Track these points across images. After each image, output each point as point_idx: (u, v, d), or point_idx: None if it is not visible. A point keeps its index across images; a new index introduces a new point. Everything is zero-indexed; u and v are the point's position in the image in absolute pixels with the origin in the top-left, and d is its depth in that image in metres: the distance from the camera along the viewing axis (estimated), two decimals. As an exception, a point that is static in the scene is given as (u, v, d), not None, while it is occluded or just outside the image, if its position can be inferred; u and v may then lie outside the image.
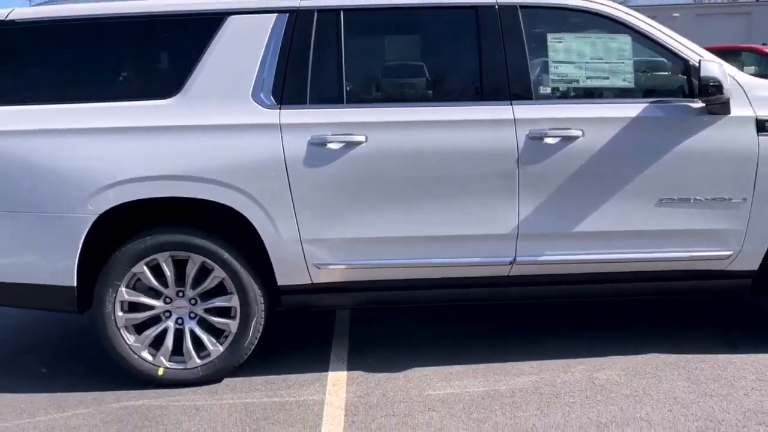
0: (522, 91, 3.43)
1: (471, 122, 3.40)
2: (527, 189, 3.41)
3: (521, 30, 3.47)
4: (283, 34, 3.43)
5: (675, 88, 3.57)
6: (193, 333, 3.50)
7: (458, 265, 3.50)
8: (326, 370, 3.65)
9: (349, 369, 3.65)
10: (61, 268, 3.37)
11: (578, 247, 3.50)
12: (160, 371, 3.49)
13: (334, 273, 3.50)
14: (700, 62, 3.31)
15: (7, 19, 3.44)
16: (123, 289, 3.43)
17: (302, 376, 3.59)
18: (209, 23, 3.44)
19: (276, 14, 3.45)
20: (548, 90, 3.55)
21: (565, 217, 3.46)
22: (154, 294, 3.49)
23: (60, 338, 4.34)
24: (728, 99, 3.35)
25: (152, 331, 3.50)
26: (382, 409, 3.21)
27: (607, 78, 3.55)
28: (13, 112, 3.37)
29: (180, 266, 3.46)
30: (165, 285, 3.46)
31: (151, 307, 3.49)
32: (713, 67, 3.29)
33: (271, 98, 3.39)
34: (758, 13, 40.29)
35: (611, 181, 3.43)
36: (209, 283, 3.47)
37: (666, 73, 3.66)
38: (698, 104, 3.41)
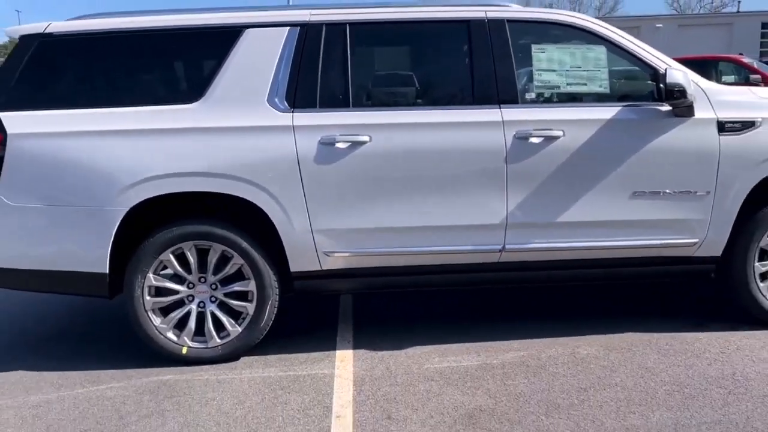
0: (509, 96, 3.82)
1: (464, 124, 3.79)
2: (514, 183, 3.80)
3: (508, 41, 3.87)
4: (295, 45, 3.81)
5: (645, 93, 3.95)
6: (213, 315, 3.86)
7: (453, 252, 3.88)
8: (334, 348, 4.02)
9: (354, 348, 4.02)
10: (95, 257, 3.72)
11: (560, 236, 3.90)
12: (184, 350, 3.85)
13: (340, 260, 3.86)
14: (666, 70, 3.73)
15: (46, 32, 3.80)
16: (151, 275, 3.78)
17: (312, 354, 3.96)
18: (229, 35, 3.82)
19: (289, 27, 3.84)
20: (533, 95, 3.95)
21: (549, 208, 3.85)
22: (179, 280, 3.85)
23: (86, 324, 4.68)
24: (692, 103, 3.77)
25: (177, 314, 3.85)
26: (386, 380, 3.58)
27: (585, 84, 3.95)
28: (52, 116, 3.72)
29: (202, 254, 3.82)
30: (189, 271, 3.82)
31: (176, 292, 3.85)
32: (678, 74, 3.71)
33: (285, 102, 3.77)
34: (739, 24, 41.13)
35: (589, 176, 3.83)
36: (229, 270, 3.83)
37: (638, 79, 4.04)
38: (666, 107, 3.83)
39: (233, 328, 3.87)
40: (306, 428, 3.11)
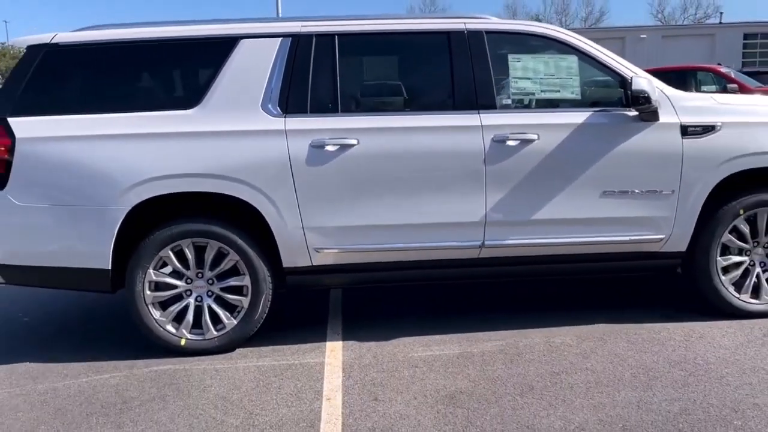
0: (487, 102, 4.10)
1: (445, 128, 4.06)
2: (493, 183, 4.07)
3: (486, 51, 4.14)
4: (287, 54, 4.07)
5: (615, 99, 4.23)
6: (210, 309, 4.09)
7: (436, 248, 4.13)
8: (324, 340, 4.26)
9: (343, 339, 4.26)
10: (99, 254, 3.94)
11: (536, 233, 4.16)
12: (183, 342, 4.07)
13: (330, 256, 4.10)
14: (632, 78, 4.02)
15: (52, 42, 4.04)
16: (151, 270, 4.01)
17: (303, 345, 4.19)
18: (225, 46, 4.07)
19: (281, 38, 4.10)
20: (509, 101, 4.22)
21: (525, 207, 4.11)
22: (177, 275, 4.08)
23: (89, 319, 4.89)
24: (656, 108, 4.06)
25: (175, 308, 4.08)
26: (373, 367, 3.83)
27: (558, 91, 4.23)
28: (58, 121, 3.95)
29: (200, 251, 4.05)
30: (187, 267, 4.06)
31: (175, 287, 4.08)
32: (643, 82, 4.00)
33: (278, 108, 4.02)
34: (721, 34, 41.89)
35: (562, 177, 4.10)
36: (225, 266, 4.07)
37: (607, 87, 4.32)
38: (633, 113, 4.11)
39: (229, 321, 4.10)
40: (299, 409, 3.34)
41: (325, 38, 4.11)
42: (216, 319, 4.10)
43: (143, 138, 3.94)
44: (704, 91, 13.24)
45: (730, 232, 4.27)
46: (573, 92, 4.24)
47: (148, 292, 4.03)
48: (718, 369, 3.61)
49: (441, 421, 3.17)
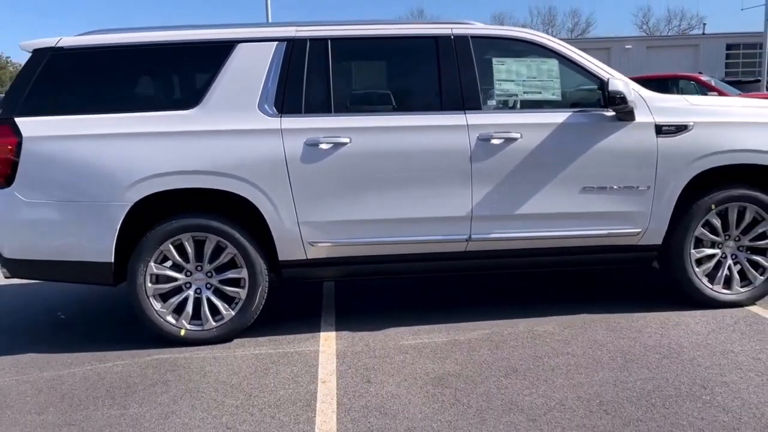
0: (473, 103, 4.32)
1: (433, 127, 4.27)
2: (478, 180, 4.28)
3: (472, 55, 4.37)
4: (282, 57, 4.28)
5: (593, 101, 4.46)
6: (209, 300, 4.28)
7: (424, 242, 4.34)
8: (318, 331, 4.45)
9: (336, 330, 4.46)
10: (102, 248, 4.11)
11: (520, 227, 4.37)
12: (182, 332, 4.25)
13: (324, 249, 4.30)
14: (608, 79, 4.25)
15: (57, 46, 4.23)
16: (152, 264, 4.19)
17: (299, 335, 4.38)
18: (223, 49, 4.27)
19: (277, 42, 4.31)
20: (494, 102, 4.45)
21: (509, 202, 4.33)
22: (177, 268, 4.26)
23: (91, 313, 5.06)
24: (632, 109, 4.29)
25: (176, 299, 4.26)
26: (365, 354, 4.02)
27: (540, 92, 4.46)
28: (63, 121, 4.13)
29: (199, 245, 4.24)
30: (186, 260, 4.24)
31: (175, 279, 4.25)
32: (619, 83, 4.23)
33: (274, 108, 4.22)
34: (705, 45, 42.57)
35: (544, 173, 4.32)
36: (223, 259, 4.25)
37: (586, 88, 4.56)
38: (610, 113, 4.34)
39: (227, 312, 4.28)
40: (295, 391, 3.53)
41: (319, 42, 4.32)
42: (215, 311, 4.28)
43: (145, 137, 4.12)
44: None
45: (703, 226, 4.50)
46: (554, 93, 4.47)
47: (149, 285, 4.20)
48: (691, 352, 3.83)
49: (430, 399, 3.37)
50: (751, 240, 4.57)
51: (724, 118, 4.45)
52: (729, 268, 4.58)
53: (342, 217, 4.24)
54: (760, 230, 4.54)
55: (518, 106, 4.50)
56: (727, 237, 4.57)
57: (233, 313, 4.29)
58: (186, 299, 4.27)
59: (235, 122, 4.17)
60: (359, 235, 4.28)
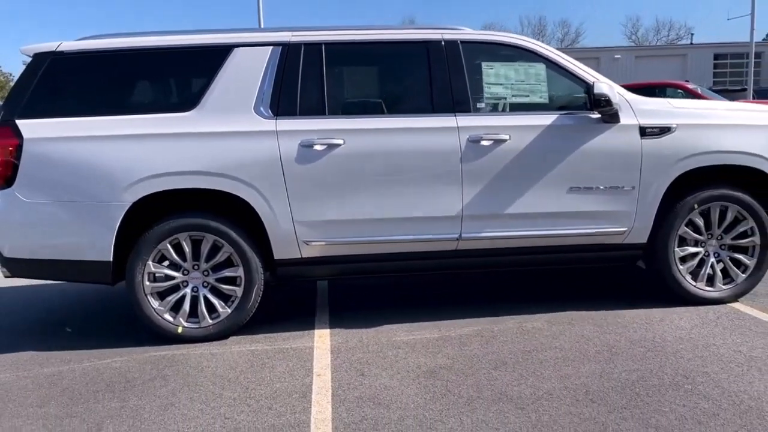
0: (463, 106, 4.44)
1: (425, 129, 4.39)
2: (469, 180, 4.40)
3: (461, 59, 4.50)
4: (278, 61, 4.40)
5: (580, 103, 4.59)
6: (206, 298, 4.37)
7: (416, 240, 4.45)
8: (312, 328, 4.55)
9: (331, 327, 4.56)
10: (101, 247, 4.20)
11: (510, 226, 4.49)
12: (180, 329, 4.34)
13: (318, 248, 4.40)
14: (593, 83, 4.39)
15: (57, 50, 4.33)
16: (150, 262, 4.28)
17: (294, 333, 4.48)
18: (220, 53, 4.39)
19: (272, 46, 4.43)
20: (483, 104, 4.58)
21: (498, 202, 4.45)
22: (175, 267, 4.35)
23: (89, 312, 5.13)
24: (617, 111, 4.44)
25: (173, 297, 4.34)
26: (359, 349, 4.12)
27: (528, 95, 4.60)
28: (63, 123, 4.23)
29: (196, 244, 4.33)
30: (184, 259, 4.33)
31: (172, 278, 4.35)
32: (604, 86, 4.38)
33: (269, 111, 4.33)
34: (692, 55, 43.04)
35: (532, 174, 4.45)
36: (219, 258, 4.35)
37: (572, 91, 4.69)
38: (596, 115, 4.49)
39: (223, 310, 4.37)
40: (291, 384, 3.63)
41: (313, 47, 4.44)
42: (211, 308, 4.37)
43: (144, 138, 4.22)
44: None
45: (686, 225, 4.64)
46: (541, 96, 4.60)
47: (147, 283, 4.30)
48: (674, 345, 3.96)
49: (422, 390, 3.47)
50: (733, 239, 4.71)
51: (705, 120, 4.60)
52: (712, 266, 4.71)
53: (336, 217, 4.34)
54: (741, 229, 4.68)
55: (507, 108, 4.63)
56: (709, 236, 4.71)
57: (229, 310, 4.38)
58: (183, 297, 4.36)
59: (231, 124, 4.28)
60: (353, 234, 4.39)
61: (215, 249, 4.35)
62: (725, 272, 4.74)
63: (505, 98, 4.61)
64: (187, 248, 4.32)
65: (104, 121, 4.26)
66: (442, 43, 4.53)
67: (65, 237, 4.25)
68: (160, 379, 3.77)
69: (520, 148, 4.43)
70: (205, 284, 4.39)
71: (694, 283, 4.69)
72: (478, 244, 4.52)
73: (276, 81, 4.37)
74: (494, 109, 4.64)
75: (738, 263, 4.73)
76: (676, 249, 4.65)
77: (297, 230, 4.33)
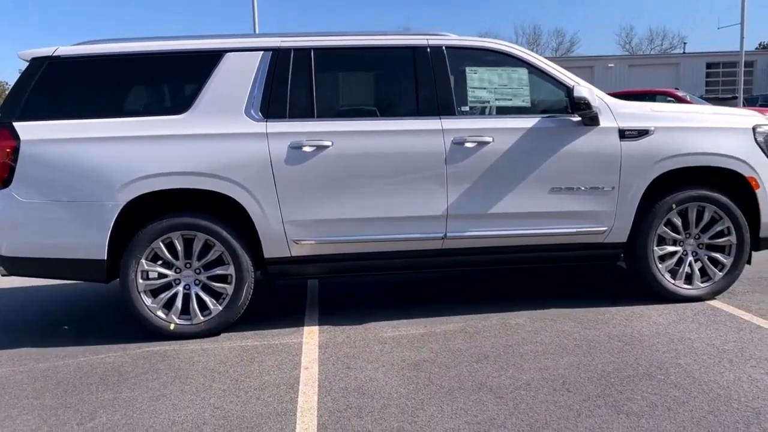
0: (447, 109, 4.59)
1: (411, 131, 4.53)
2: (453, 181, 4.54)
3: (446, 64, 4.65)
4: (268, 66, 4.54)
5: (561, 107, 4.74)
6: (197, 296, 4.49)
7: (402, 240, 4.58)
8: (302, 325, 4.67)
9: (319, 324, 4.68)
10: (95, 246, 4.32)
11: (493, 225, 4.63)
12: (172, 326, 4.45)
13: (307, 247, 4.52)
14: (573, 87, 4.54)
15: (54, 54, 4.47)
16: (143, 261, 4.40)
17: (283, 329, 4.60)
18: (212, 58, 4.53)
19: (263, 51, 4.57)
20: (467, 108, 4.72)
21: (482, 202, 4.59)
22: (167, 265, 4.47)
23: (83, 310, 5.25)
24: (596, 114, 4.58)
25: (165, 295, 4.46)
26: (347, 344, 4.25)
27: (510, 99, 4.75)
28: (60, 125, 4.36)
29: (188, 243, 4.45)
30: (176, 258, 4.45)
31: (165, 276, 4.47)
32: (583, 90, 4.52)
33: (260, 113, 4.47)
34: (685, 64, 43.34)
35: (515, 175, 4.59)
36: (211, 256, 4.47)
37: (554, 95, 4.84)
38: (576, 118, 4.63)
39: (215, 307, 4.49)
40: (279, 376, 3.75)
41: (303, 52, 4.59)
42: (203, 306, 4.49)
43: (137, 140, 4.35)
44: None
45: (665, 225, 4.78)
46: (524, 100, 4.75)
47: (141, 281, 4.41)
48: (651, 340, 4.09)
49: (405, 382, 3.60)
50: (710, 238, 4.85)
51: (683, 123, 4.75)
52: (690, 265, 4.85)
53: (324, 216, 4.47)
54: (718, 229, 4.82)
55: (490, 112, 4.77)
56: (687, 235, 4.85)
57: (221, 308, 4.50)
58: (175, 295, 4.47)
59: (222, 126, 4.41)
60: (341, 233, 4.52)
61: (207, 248, 4.47)
62: (703, 271, 4.88)
63: (489, 102, 4.75)
64: (179, 247, 4.44)
65: (99, 124, 4.38)
66: (428, 48, 4.68)
67: (61, 236, 4.36)
68: (153, 373, 3.88)
69: (503, 150, 4.57)
70: (197, 282, 4.51)
71: (672, 281, 4.83)
72: (463, 243, 4.65)
73: (266, 85, 4.51)
74: (478, 112, 4.78)
75: (715, 262, 4.87)
76: (655, 248, 4.78)
77: (287, 229, 4.46)
